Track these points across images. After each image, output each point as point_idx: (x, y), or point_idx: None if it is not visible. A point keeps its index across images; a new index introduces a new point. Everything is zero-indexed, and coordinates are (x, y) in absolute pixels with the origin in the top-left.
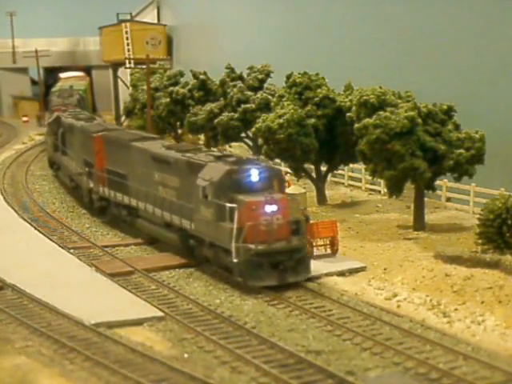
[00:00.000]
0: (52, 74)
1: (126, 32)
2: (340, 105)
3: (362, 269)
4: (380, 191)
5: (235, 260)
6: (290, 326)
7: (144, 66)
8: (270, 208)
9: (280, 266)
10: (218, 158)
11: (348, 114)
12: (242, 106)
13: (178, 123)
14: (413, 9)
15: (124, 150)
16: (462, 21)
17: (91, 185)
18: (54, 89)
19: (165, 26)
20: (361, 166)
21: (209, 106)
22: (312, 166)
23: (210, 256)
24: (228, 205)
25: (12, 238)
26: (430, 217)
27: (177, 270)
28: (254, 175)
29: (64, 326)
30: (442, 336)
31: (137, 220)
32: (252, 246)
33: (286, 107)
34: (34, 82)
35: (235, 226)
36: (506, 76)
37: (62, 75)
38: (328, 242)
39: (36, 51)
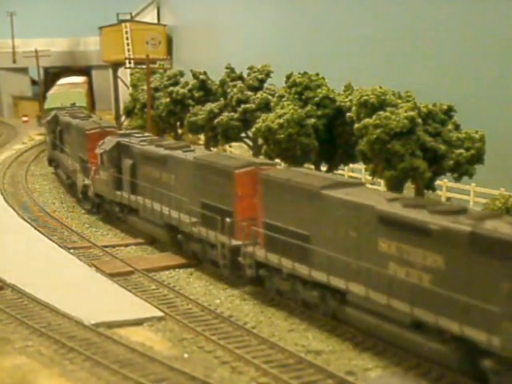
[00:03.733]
0: (53, 76)
1: (126, 32)
2: (340, 105)
3: None
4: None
5: None
6: (289, 326)
7: (144, 66)
8: None
9: None
10: None
11: (348, 114)
12: (242, 105)
13: (178, 123)
14: (413, 8)
15: (306, 199)
16: (462, 20)
17: (235, 242)
18: (48, 105)
19: (165, 25)
20: (361, 165)
21: (209, 106)
22: (312, 166)
23: None
24: None
25: (12, 238)
26: None
27: (177, 270)
28: None
29: (64, 326)
30: None
31: (344, 308)
32: None
33: (286, 107)
34: (34, 82)
35: None
36: (506, 76)
37: (59, 82)
38: None
39: (36, 51)
